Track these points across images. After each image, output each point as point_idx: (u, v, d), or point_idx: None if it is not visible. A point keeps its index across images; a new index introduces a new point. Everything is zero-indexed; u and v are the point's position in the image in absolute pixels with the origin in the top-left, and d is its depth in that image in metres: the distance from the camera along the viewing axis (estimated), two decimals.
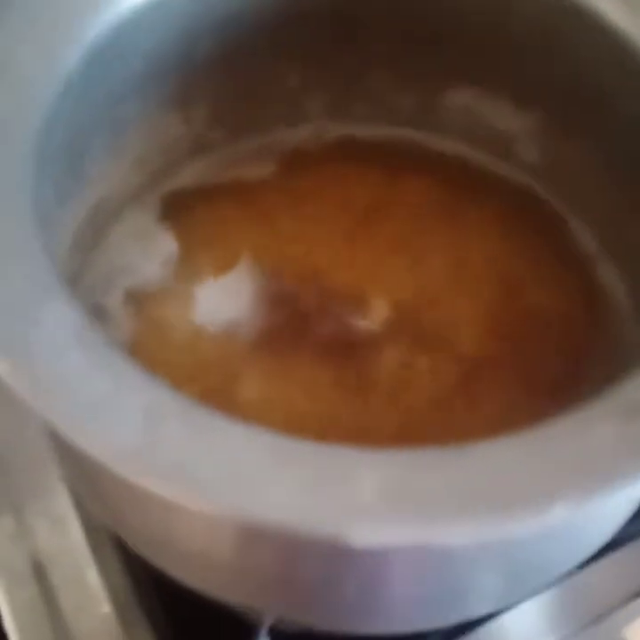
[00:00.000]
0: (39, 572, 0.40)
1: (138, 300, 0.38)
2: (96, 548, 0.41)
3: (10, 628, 0.39)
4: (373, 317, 0.38)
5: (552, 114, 0.39)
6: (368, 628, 0.32)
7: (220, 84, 0.38)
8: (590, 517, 0.29)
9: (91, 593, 0.40)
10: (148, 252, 0.39)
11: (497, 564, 0.29)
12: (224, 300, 0.39)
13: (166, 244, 0.39)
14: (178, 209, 0.40)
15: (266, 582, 0.30)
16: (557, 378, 0.37)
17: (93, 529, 0.41)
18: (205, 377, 0.37)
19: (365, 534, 0.23)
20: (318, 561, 0.27)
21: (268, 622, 0.35)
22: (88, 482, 0.32)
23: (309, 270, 0.39)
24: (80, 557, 0.41)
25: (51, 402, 0.25)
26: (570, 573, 0.38)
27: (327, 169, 0.42)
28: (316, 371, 0.37)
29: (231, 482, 0.24)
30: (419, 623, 0.31)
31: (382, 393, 0.37)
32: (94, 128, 0.35)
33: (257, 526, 0.23)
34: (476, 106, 0.41)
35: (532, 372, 0.36)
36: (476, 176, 0.42)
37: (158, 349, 0.37)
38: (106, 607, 0.39)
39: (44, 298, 0.27)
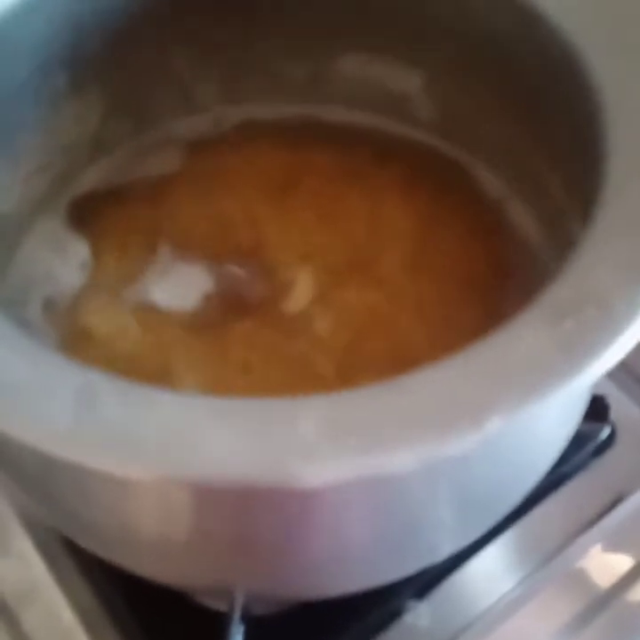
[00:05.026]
0: (8, 616, 0.41)
1: (59, 308, 0.39)
2: (60, 576, 0.41)
3: None
4: (302, 288, 0.40)
5: (441, 68, 0.41)
6: (338, 586, 0.33)
7: (111, 78, 0.39)
8: (531, 433, 0.31)
9: (63, 626, 0.40)
10: (62, 259, 0.40)
11: (450, 495, 0.30)
12: (147, 296, 0.39)
13: (79, 249, 0.40)
14: (87, 212, 0.41)
15: (227, 553, 0.30)
16: (482, 318, 0.38)
17: (54, 558, 0.42)
18: (140, 375, 0.38)
19: (312, 472, 0.24)
20: (273, 515, 0.28)
21: (238, 606, 0.36)
22: (32, 484, 0.33)
23: (232, 251, 0.41)
24: (46, 590, 0.41)
25: None
26: (519, 514, 0.41)
27: (232, 153, 0.43)
28: (249, 350, 0.38)
29: (175, 446, 0.25)
30: (384, 573, 0.33)
31: (319, 365, 0.38)
32: None
33: (206, 482, 0.24)
34: (367, 70, 0.42)
35: (456, 313, 0.38)
36: (378, 140, 0.44)
37: (87, 355, 0.38)
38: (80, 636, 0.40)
39: None
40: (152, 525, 0.31)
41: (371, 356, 0.38)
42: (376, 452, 0.24)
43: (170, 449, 0.24)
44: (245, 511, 0.29)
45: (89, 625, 0.40)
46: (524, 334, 0.26)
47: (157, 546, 0.32)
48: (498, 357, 0.26)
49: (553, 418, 0.32)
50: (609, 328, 0.25)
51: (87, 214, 0.41)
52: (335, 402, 0.25)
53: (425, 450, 0.24)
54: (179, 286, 0.40)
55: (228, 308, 0.39)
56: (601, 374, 0.25)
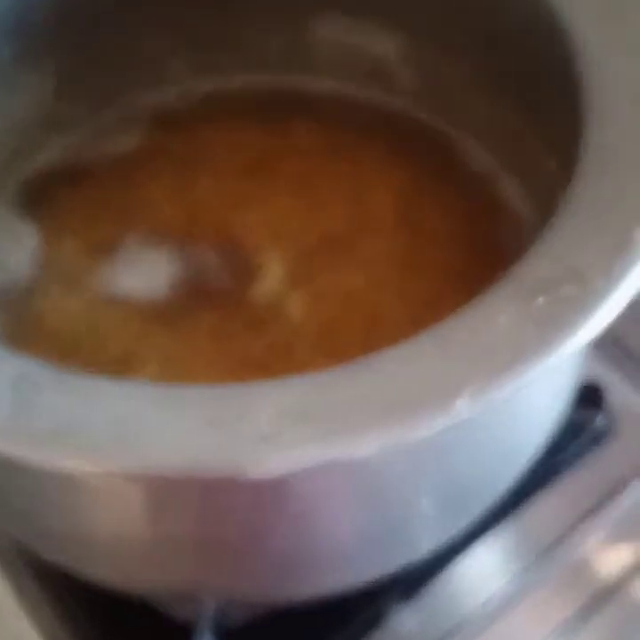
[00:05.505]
0: None
1: (9, 297, 0.37)
2: (23, 598, 0.39)
3: None
4: (277, 272, 0.38)
5: (425, 34, 0.39)
6: (313, 587, 0.31)
7: (66, 49, 0.37)
8: (512, 415, 0.29)
9: None
10: (13, 245, 0.38)
11: (428, 482, 0.28)
12: (108, 283, 0.38)
13: (32, 235, 0.38)
14: (41, 194, 0.39)
15: (191, 554, 0.29)
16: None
17: (17, 580, 0.40)
18: (100, 368, 0.36)
19: (265, 462, 0.22)
20: (236, 511, 0.27)
21: (208, 615, 0.34)
22: None
23: (203, 235, 0.38)
24: (8, 613, 0.39)
25: None
26: (513, 506, 0.39)
27: (202, 128, 0.41)
28: (219, 338, 0.37)
29: (120, 437, 0.23)
30: (361, 571, 0.31)
31: (291, 351, 0.36)
32: None
33: (151, 475, 0.22)
34: (346, 37, 0.40)
35: (441, 297, 0.36)
36: (360, 111, 0.42)
37: (42, 346, 0.36)
38: None
39: None
40: (106, 526, 0.29)
41: (348, 343, 0.36)
42: (336, 439, 0.22)
43: (114, 441, 0.23)
44: (207, 507, 0.27)
45: None
46: (497, 310, 0.24)
47: (115, 549, 0.30)
48: (469, 335, 0.24)
49: (535, 397, 0.30)
50: (585, 304, 0.24)
51: (41, 197, 0.38)
52: (295, 387, 0.23)
53: (389, 435, 0.22)
54: (144, 272, 0.38)
55: (196, 293, 0.37)
56: (576, 351, 0.24)
